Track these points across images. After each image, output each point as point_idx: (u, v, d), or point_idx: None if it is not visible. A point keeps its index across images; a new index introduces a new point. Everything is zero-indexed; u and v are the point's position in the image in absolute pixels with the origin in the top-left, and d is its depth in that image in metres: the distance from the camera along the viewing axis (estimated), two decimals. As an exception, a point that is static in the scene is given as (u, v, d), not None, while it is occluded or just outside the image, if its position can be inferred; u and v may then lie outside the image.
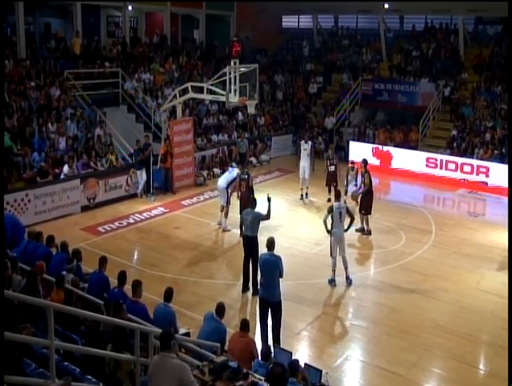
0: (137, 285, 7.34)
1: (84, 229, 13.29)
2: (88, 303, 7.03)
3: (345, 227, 10.77)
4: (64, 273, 7.78)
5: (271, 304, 8.31)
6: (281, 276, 8.33)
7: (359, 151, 19.03)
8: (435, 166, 18.44)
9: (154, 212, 14.71)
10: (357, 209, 13.70)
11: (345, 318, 9.75)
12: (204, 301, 9.60)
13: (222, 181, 13.59)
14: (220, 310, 7.05)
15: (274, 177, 18.74)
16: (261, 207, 10.61)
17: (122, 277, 7.72)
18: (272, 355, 6.95)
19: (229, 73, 14.59)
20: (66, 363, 5.20)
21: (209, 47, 24.90)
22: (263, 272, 8.43)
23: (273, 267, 8.28)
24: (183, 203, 15.62)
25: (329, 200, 14.75)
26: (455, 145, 19.16)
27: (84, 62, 19.05)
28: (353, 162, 16.04)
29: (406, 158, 19.14)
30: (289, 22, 28.74)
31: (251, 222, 10.14)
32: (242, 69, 14.86)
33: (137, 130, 18.46)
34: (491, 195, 16.86)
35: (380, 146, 19.76)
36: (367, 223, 13.39)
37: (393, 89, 21.80)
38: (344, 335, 9.16)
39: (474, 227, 14.27)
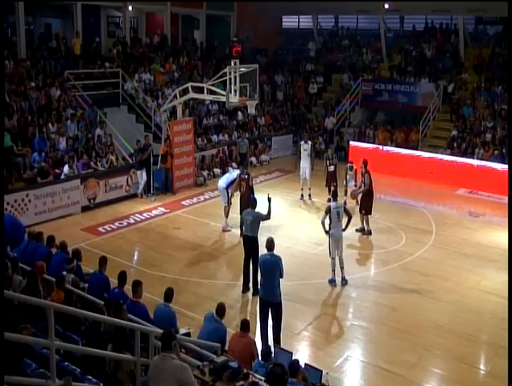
0: (137, 286, 7.34)
1: (84, 229, 13.29)
2: (89, 303, 7.03)
3: (343, 226, 10.76)
4: (65, 273, 7.79)
5: (271, 304, 8.31)
6: (281, 276, 8.34)
7: (359, 151, 19.01)
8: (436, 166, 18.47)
9: (154, 212, 14.72)
10: (357, 209, 13.71)
11: (345, 318, 9.75)
12: (204, 302, 9.61)
13: (222, 181, 13.60)
14: (221, 310, 7.05)
15: (275, 177, 18.74)
16: (261, 207, 10.61)
17: (123, 277, 7.72)
18: (272, 355, 6.96)
19: (230, 73, 14.59)
20: (66, 364, 5.20)
21: (209, 48, 24.91)
22: (263, 272, 8.43)
23: (273, 267, 8.29)
24: (183, 203, 15.63)
25: (329, 200, 14.71)
26: (455, 145, 19.17)
27: (85, 62, 19.07)
28: (351, 162, 16.02)
29: (406, 158, 19.15)
30: (289, 22, 28.74)
31: (251, 222, 10.14)
32: (242, 69, 14.87)
33: (137, 130, 18.47)
34: (492, 195, 16.85)
35: (380, 146, 19.76)
36: (367, 224, 13.39)
37: (393, 89, 21.82)
38: (345, 335, 9.15)
39: (474, 227, 14.27)
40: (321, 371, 6.53)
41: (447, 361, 8.40)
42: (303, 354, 8.30)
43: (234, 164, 18.69)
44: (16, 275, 7.34)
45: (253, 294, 10.00)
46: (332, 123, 22.19)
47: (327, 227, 10.58)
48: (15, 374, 4.43)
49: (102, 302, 6.93)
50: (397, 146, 19.92)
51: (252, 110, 15.55)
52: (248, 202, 11.49)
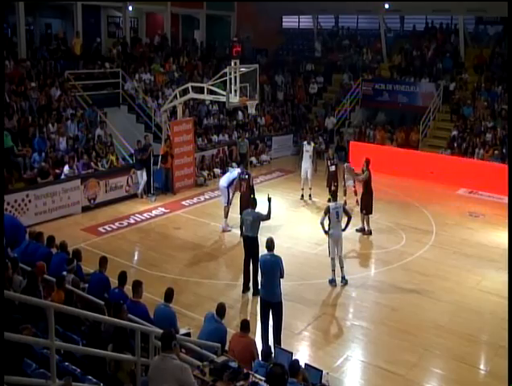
0: (137, 286, 7.35)
1: (84, 229, 13.30)
2: (89, 303, 7.04)
3: (343, 226, 10.75)
4: (65, 273, 7.79)
5: (272, 304, 8.31)
6: (282, 276, 8.34)
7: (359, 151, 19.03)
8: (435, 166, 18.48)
9: (154, 213, 14.72)
10: (357, 209, 13.70)
11: (346, 318, 9.75)
12: (204, 302, 9.61)
13: (223, 180, 13.58)
14: (221, 310, 7.06)
15: (275, 177, 18.74)
16: (261, 207, 10.61)
17: (123, 277, 7.73)
18: (272, 355, 6.96)
19: (230, 73, 14.58)
20: (66, 364, 5.21)
21: (209, 48, 24.92)
22: (263, 272, 8.43)
23: (273, 267, 8.29)
24: (183, 203, 15.63)
25: (330, 200, 14.66)
26: (455, 145, 19.16)
27: (85, 62, 19.07)
28: (349, 162, 15.97)
29: (406, 158, 19.16)
30: (289, 22, 28.75)
31: (251, 222, 10.13)
32: (243, 69, 14.85)
33: (137, 130, 18.47)
34: (492, 195, 16.85)
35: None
36: (368, 224, 13.38)
37: (393, 89, 21.82)
38: (345, 335, 9.15)
39: (474, 227, 14.27)
40: (321, 371, 6.53)
41: (447, 361, 8.40)
42: (303, 354, 8.30)
43: (234, 164, 18.72)
44: (16, 275, 7.34)
45: (254, 294, 10.01)
46: (332, 123, 22.19)
47: (326, 228, 10.57)
48: (15, 374, 4.44)
49: (102, 302, 6.94)
50: (397, 146, 19.96)
51: (252, 110, 15.53)
52: (248, 202, 11.49)
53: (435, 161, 18.59)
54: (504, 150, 17.71)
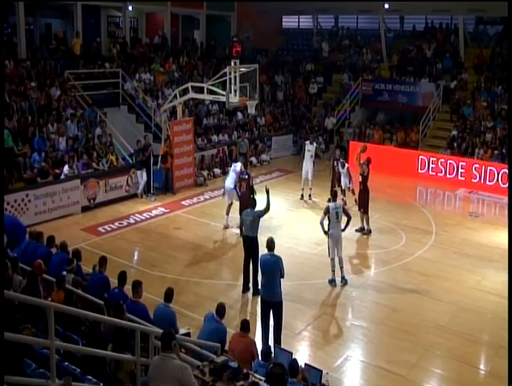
0: (137, 286, 7.35)
1: (84, 229, 13.29)
2: (89, 303, 7.04)
3: (342, 227, 10.74)
4: (65, 273, 7.79)
5: (272, 304, 8.31)
6: (282, 276, 8.34)
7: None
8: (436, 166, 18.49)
9: (154, 212, 14.72)
10: (356, 208, 13.66)
11: (346, 318, 9.75)
12: (204, 302, 9.61)
13: (229, 181, 13.43)
14: (221, 310, 7.06)
15: (275, 177, 18.73)
16: (260, 206, 10.61)
17: (123, 277, 7.73)
18: (272, 355, 6.96)
19: (230, 73, 14.58)
20: (66, 364, 5.20)
21: (209, 48, 24.92)
22: (264, 272, 8.42)
23: (273, 267, 8.29)
24: (183, 203, 15.62)
25: (330, 200, 14.56)
26: (455, 145, 19.16)
27: (85, 62, 19.07)
28: (343, 160, 15.92)
29: (406, 158, 19.17)
30: (289, 22, 28.75)
31: (251, 222, 10.14)
32: (242, 69, 14.85)
33: (137, 130, 18.48)
34: (492, 195, 16.85)
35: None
36: (367, 223, 13.37)
37: (393, 89, 21.82)
38: (345, 335, 9.15)
39: (474, 227, 14.26)
40: (321, 371, 6.53)
41: (447, 361, 8.39)
42: (303, 354, 8.30)
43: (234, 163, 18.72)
44: (16, 275, 7.34)
45: (254, 294, 10.01)
46: (332, 123, 22.19)
47: (326, 228, 10.55)
48: (15, 374, 4.43)
49: (102, 302, 6.94)
50: (397, 146, 19.97)
51: (252, 110, 15.53)
52: (248, 202, 11.49)
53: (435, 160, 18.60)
54: (504, 150, 17.71)
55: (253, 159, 19.99)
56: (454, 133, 19.57)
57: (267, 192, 10.66)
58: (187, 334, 7.06)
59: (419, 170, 18.72)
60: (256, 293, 9.77)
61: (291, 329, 8.88)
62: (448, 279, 11.04)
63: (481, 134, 18.92)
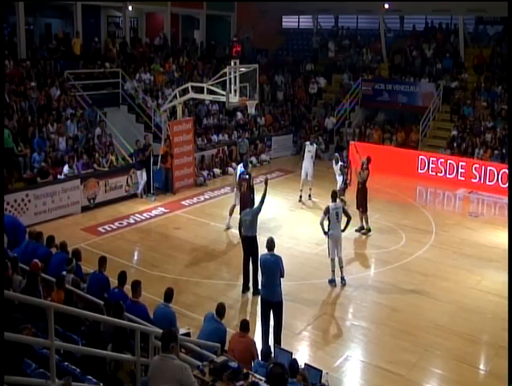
0: (136, 285, 7.35)
1: (84, 229, 13.29)
2: (89, 303, 7.04)
3: (342, 226, 10.72)
4: (64, 273, 7.79)
5: (272, 304, 8.31)
6: (282, 276, 8.34)
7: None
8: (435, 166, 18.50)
9: (154, 212, 14.72)
10: (355, 208, 13.63)
11: (346, 318, 9.75)
12: (204, 302, 9.61)
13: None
14: (221, 310, 7.06)
15: (275, 177, 18.71)
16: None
17: (122, 277, 7.73)
18: (272, 355, 6.96)
19: (230, 73, 14.58)
20: (66, 364, 5.21)
21: (209, 48, 24.92)
22: (264, 272, 8.42)
23: (273, 267, 8.29)
24: (183, 203, 15.62)
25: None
26: (455, 145, 19.17)
27: (85, 62, 19.07)
28: (336, 155, 15.89)
29: (406, 158, 19.18)
30: (289, 22, 28.75)
31: (250, 221, 10.14)
32: (242, 69, 14.86)
33: (137, 130, 18.48)
34: (491, 195, 16.85)
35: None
36: (366, 222, 13.36)
37: (393, 89, 21.82)
38: (345, 335, 9.15)
39: (474, 227, 14.26)
40: (321, 371, 6.53)
41: (447, 361, 8.39)
42: (303, 354, 8.30)
43: (234, 164, 18.71)
44: (16, 275, 7.34)
45: (254, 294, 10.01)
46: (332, 123, 22.19)
47: (326, 228, 10.54)
48: (15, 374, 4.43)
49: (102, 302, 6.94)
50: (397, 146, 19.98)
51: (252, 110, 15.52)
52: (248, 202, 11.50)
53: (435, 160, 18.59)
54: (504, 150, 17.71)
55: (254, 159, 19.98)
56: (454, 133, 19.57)
57: (265, 183, 10.74)
58: (187, 334, 7.05)
59: (419, 170, 18.72)
60: (256, 292, 9.77)
61: (291, 329, 8.88)
62: (447, 279, 11.04)
63: (481, 134, 18.92)
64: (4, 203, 11.66)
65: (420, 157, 18.85)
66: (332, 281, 10.63)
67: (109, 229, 13.38)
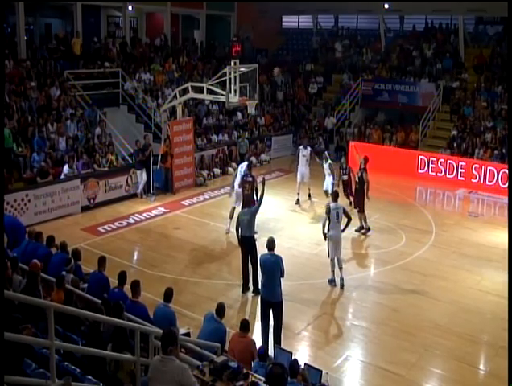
0: (136, 285, 7.36)
1: (84, 229, 13.29)
2: (89, 303, 7.03)
3: (342, 226, 10.70)
4: (64, 273, 7.78)
5: (272, 304, 8.31)
6: (282, 275, 8.34)
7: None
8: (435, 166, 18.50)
9: (154, 212, 14.71)
10: (352, 206, 13.63)
11: (345, 318, 9.75)
12: (204, 302, 9.61)
13: (238, 183, 13.16)
14: (221, 310, 7.06)
15: (275, 177, 18.72)
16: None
17: (122, 277, 7.73)
18: (272, 354, 6.96)
19: (229, 73, 14.58)
20: (66, 364, 5.20)
21: (209, 48, 24.93)
22: (264, 272, 8.42)
23: (273, 267, 8.29)
24: (183, 203, 15.62)
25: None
26: (455, 145, 19.17)
27: (85, 62, 19.07)
28: (328, 154, 15.86)
29: (406, 158, 19.18)
30: (289, 22, 28.76)
31: (248, 221, 10.15)
32: (242, 69, 14.86)
33: (137, 130, 18.48)
34: (491, 195, 16.85)
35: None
36: (365, 221, 13.36)
37: (393, 89, 21.83)
38: (345, 335, 9.15)
39: (474, 227, 14.26)
40: (321, 371, 6.53)
41: (447, 361, 8.39)
42: (303, 354, 8.30)
43: (234, 164, 18.72)
44: (16, 275, 7.34)
45: (253, 292, 10.02)
46: (332, 123, 22.19)
47: (326, 229, 10.50)
48: (15, 374, 4.43)
49: (100, 301, 6.94)
50: (397, 146, 19.98)
51: (252, 110, 15.50)
52: (250, 204, 11.49)
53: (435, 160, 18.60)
54: (504, 150, 17.71)
55: (253, 159, 19.96)
56: (454, 133, 19.57)
57: (263, 183, 10.75)
58: (187, 334, 7.05)
59: (419, 170, 18.72)
60: (257, 292, 9.78)
61: (290, 329, 8.88)
62: (447, 279, 11.04)
63: (481, 134, 18.92)
64: (4, 203, 11.66)
65: (420, 157, 18.85)
66: (331, 281, 10.63)
67: (108, 229, 13.38)
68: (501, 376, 7.03)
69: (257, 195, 12.48)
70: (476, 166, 17.62)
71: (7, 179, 12.99)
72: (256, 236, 10.56)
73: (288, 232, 13.30)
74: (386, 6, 22.18)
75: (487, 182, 17.30)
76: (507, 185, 16.34)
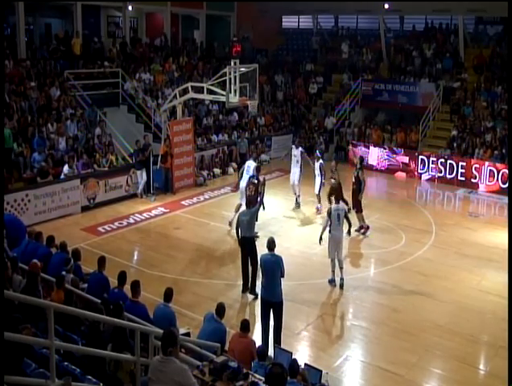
0: (135, 285, 7.35)
1: (84, 229, 13.29)
2: (89, 303, 7.03)
3: (344, 231, 10.72)
4: (64, 273, 7.78)
5: (273, 304, 8.31)
6: (282, 275, 8.35)
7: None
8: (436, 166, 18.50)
9: (154, 212, 14.71)
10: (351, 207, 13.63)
11: (346, 318, 9.76)
12: (204, 302, 9.60)
13: (244, 183, 13.10)
14: (221, 310, 7.06)
15: (275, 177, 18.71)
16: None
17: (122, 277, 7.73)
18: (271, 354, 6.96)
19: (229, 73, 14.59)
20: (66, 364, 5.20)
21: (209, 48, 24.92)
22: (264, 272, 8.42)
23: (274, 267, 8.30)
24: (183, 203, 15.62)
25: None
26: (455, 145, 19.16)
27: (85, 62, 19.08)
28: (319, 152, 15.79)
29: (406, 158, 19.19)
30: (289, 22, 28.75)
31: (248, 221, 10.14)
32: (242, 69, 14.86)
33: (137, 130, 18.47)
34: (491, 195, 16.85)
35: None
36: (363, 221, 13.36)
37: (393, 89, 21.81)
38: (345, 335, 9.15)
39: (474, 227, 14.26)
40: (321, 371, 6.53)
41: (447, 361, 8.39)
42: (303, 354, 8.30)
43: (234, 164, 18.73)
44: (16, 275, 7.33)
45: (250, 293, 10.02)
46: (332, 123, 22.18)
47: (326, 231, 10.50)
48: (15, 374, 4.43)
49: (99, 301, 6.94)
50: (397, 146, 19.98)
51: (253, 110, 15.47)
52: (252, 204, 11.46)
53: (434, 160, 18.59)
54: (504, 150, 17.70)
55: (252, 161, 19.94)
56: (454, 133, 19.56)
57: (263, 184, 10.77)
58: (187, 334, 7.06)
59: (419, 170, 18.72)
60: (253, 291, 9.80)
61: (291, 329, 8.88)
62: (447, 279, 11.04)
63: (481, 134, 18.92)
64: (4, 203, 11.65)
65: (420, 157, 18.85)
66: (331, 281, 10.63)
67: (108, 229, 13.38)
68: (501, 376, 7.02)
69: (258, 197, 12.45)
70: (477, 166, 17.62)
71: (7, 179, 12.99)
72: (258, 238, 10.55)
73: (288, 231, 13.30)
74: (386, 6, 22.17)
75: (487, 182, 17.30)
76: (507, 185, 16.34)
